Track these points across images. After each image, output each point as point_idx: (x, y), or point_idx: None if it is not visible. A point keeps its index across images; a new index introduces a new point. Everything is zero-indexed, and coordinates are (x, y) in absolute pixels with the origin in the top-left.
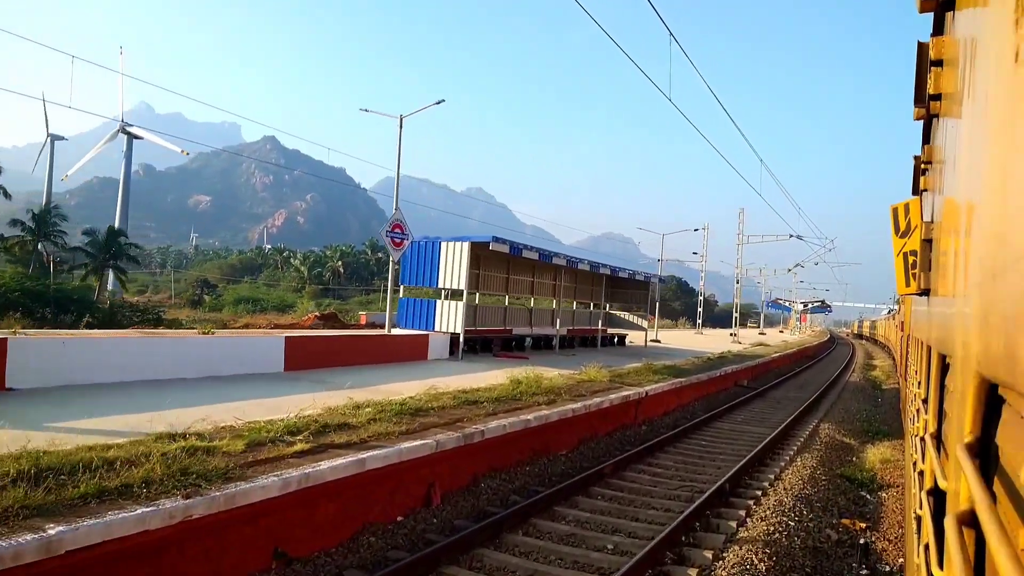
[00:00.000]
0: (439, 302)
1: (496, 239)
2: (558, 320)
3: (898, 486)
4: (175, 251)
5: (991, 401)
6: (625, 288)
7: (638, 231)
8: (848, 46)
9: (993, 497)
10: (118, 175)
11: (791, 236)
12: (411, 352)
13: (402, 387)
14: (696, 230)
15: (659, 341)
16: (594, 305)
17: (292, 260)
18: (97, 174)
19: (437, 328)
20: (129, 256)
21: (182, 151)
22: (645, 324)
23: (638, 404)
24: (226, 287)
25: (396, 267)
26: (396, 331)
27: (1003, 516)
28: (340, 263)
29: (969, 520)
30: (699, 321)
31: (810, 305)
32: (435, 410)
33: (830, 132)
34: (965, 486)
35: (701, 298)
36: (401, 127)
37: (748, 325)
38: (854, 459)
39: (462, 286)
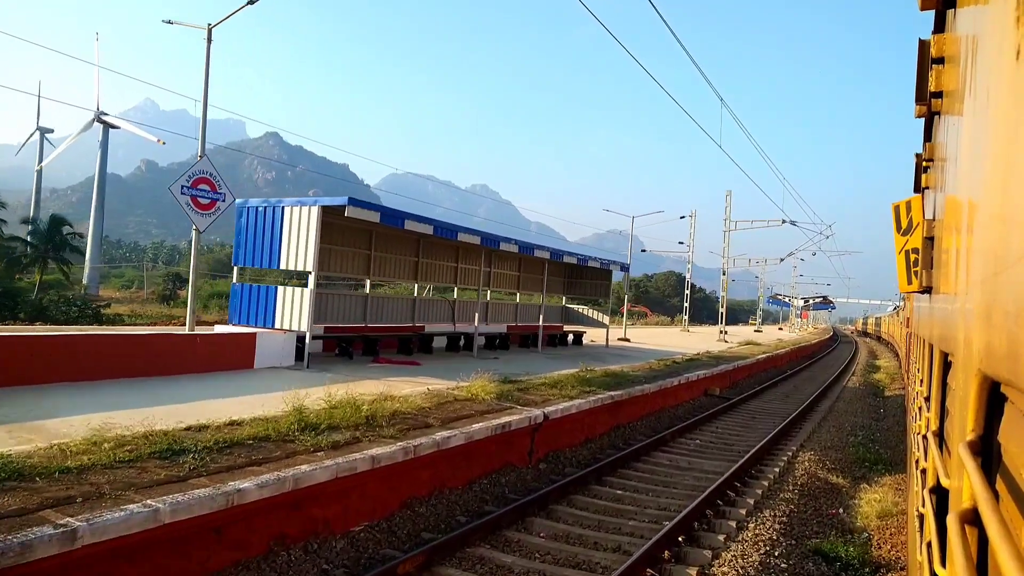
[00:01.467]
0: (280, 289)
1: (355, 202)
2: (481, 315)
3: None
4: (169, 246)
5: (993, 399)
6: (584, 278)
7: (640, 228)
8: (843, 35)
9: (995, 495)
10: (120, 171)
11: (784, 222)
12: (229, 359)
13: (73, 421)
14: (683, 217)
15: (628, 340)
16: (549, 298)
17: None
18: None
19: (278, 324)
20: (72, 247)
21: (158, 140)
22: (607, 320)
23: (535, 433)
24: (208, 282)
25: (225, 249)
26: (222, 329)
27: (1005, 514)
28: None
29: (971, 518)
30: (685, 317)
31: (811, 301)
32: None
33: (826, 113)
34: (967, 484)
35: (687, 292)
36: (210, 40)
37: (750, 322)
38: (841, 512)
39: (309, 267)
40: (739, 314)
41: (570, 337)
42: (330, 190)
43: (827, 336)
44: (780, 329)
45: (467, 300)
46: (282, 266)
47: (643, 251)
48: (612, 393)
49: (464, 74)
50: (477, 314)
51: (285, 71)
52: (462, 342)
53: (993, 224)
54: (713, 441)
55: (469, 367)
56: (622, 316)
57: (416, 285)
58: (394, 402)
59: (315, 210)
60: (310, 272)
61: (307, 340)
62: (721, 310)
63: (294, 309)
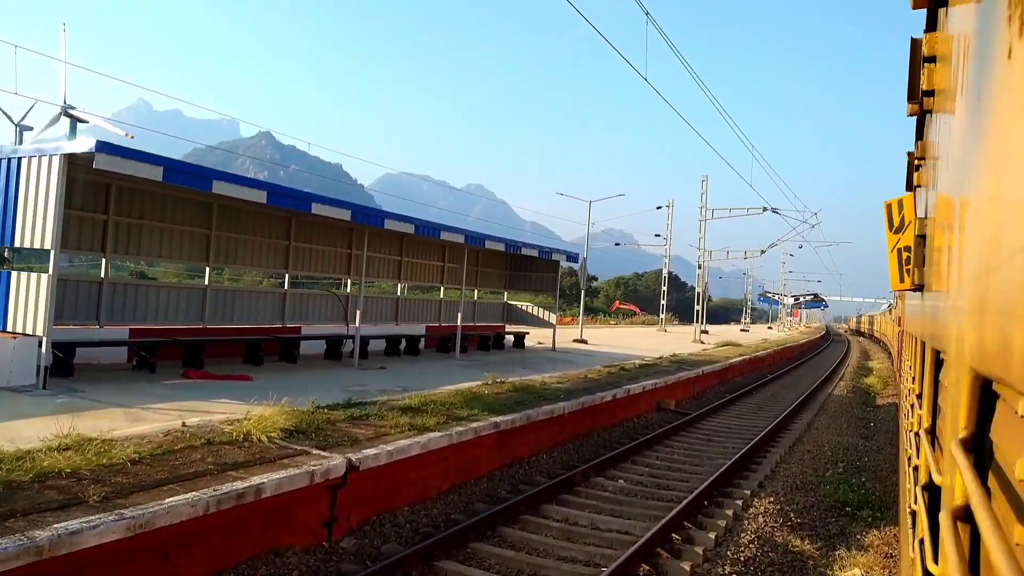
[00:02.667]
0: (13, 276)
1: (107, 148)
2: (383, 314)
3: None
4: None
5: (985, 396)
6: (528, 270)
7: (639, 228)
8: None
9: (988, 492)
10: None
11: (765, 209)
12: None
13: None
14: (660, 207)
15: (585, 341)
16: (488, 293)
17: None
18: None
19: (10, 325)
20: None
21: (126, 135)
22: (553, 318)
23: (335, 493)
24: (184, 278)
25: None
26: None
27: (997, 511)
28: None
29: (964, 515)
30: (663, 316)
31: (802, 299)
32: None
33: (811, 97)
34: (960, 481)
35: (664, 288)
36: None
37: (743, 321)
38: None
39: (47, 243)
40: (731, 313)
41: (509, 339)
42: (322, 190)
43: (818, 335)
44: (769, 328)
45: (381, 296)
46: (16, 242)
47: (617, 245)
48: (499, 419)
49: (458, 74)
50: (359, 311)
51: (277, 70)
52: (349, 347)
53: (985, 222)
54: (642, 481)
55: (328, 383)
56: (614, 315)
57: (287, 275)
58: (63, 457)
59: (55, 161)
60: (50, 251)
61: (42, 348)
62: (697, 307)
63: (29, 304)
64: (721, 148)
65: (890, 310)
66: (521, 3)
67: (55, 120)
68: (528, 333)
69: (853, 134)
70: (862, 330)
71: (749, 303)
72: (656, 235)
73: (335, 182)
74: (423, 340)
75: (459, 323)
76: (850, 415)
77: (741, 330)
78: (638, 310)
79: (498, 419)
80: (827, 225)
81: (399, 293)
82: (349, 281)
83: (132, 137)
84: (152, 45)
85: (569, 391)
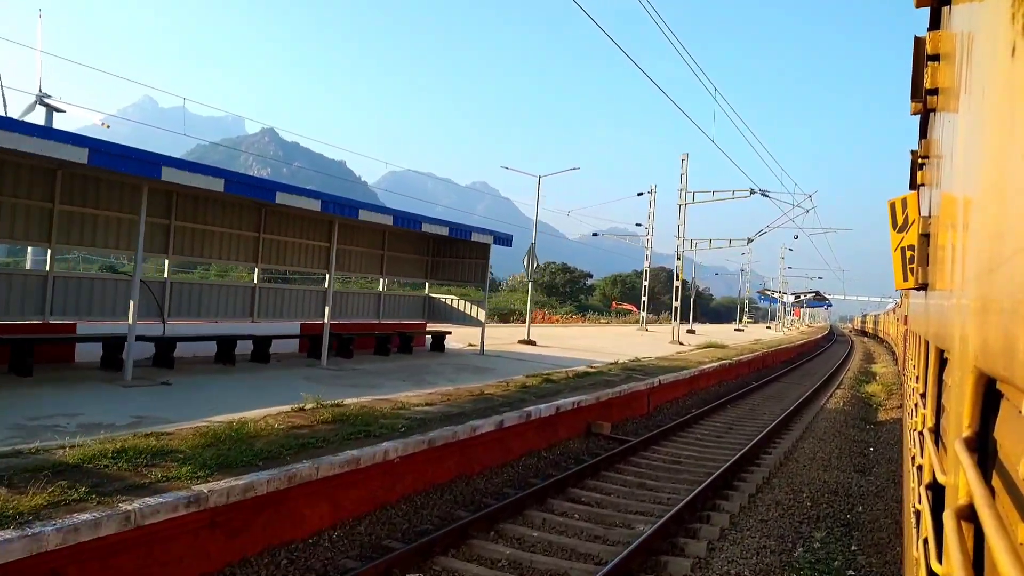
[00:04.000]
0: None
1: None
2: (242, 306)
3: None
4: None
5: (989, 396)
6: (454, 256)
7: (637, 226)
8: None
9: (992, 492)
10: None
11: (753, 192)
12: None
13: None
14: (641, 194)
15: (533, 343)
16: (402, 284)
17: None
18: None
19: None
20: None
21: (103, 123)
22: (482, 314)
23: None
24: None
25: None
26: None
27: (1001, 510)
28: None
29: (968, 514)
30: (643, 315)
31: (803, 297)
32: None
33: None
34: (963, 481)
35: (645, 283)
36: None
37: (741, 321)
38: None
39: None
40: (734, 312)
41: (427, 340)
42: (326, 187)
43: (820, 335)
44: (768, 328)
45: (227, 284)
46: None
47: (594, 235)
48: (207, 488)
49: (462, 71)
50: (169, 304)
51: (282, 67)
52: (152, 351)
53: (988, 220)
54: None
55: (24, 409)
56: (611, 314)
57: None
58: None
59: None
60: None
61: None
62: (674, 304)
63: None
64: (706, 124)
65: (894, 310)
66: (522, 2)
67: (30, 109)
68: (449, 333)
69: (850, 114)
70: (866, 330)
71: (747, 301)
72: (637, 224)
73: (338, 179)
74: (297, 342)
75: (326, 320)
76: (844, 437)
77: (735, 329)
78: (635, 309)
79: (197, 490)
80: (825, 212)
81: (255, 280)
82: (166, 264)
83: (108, 127)
84: (158, 42)
85: (432, 418)
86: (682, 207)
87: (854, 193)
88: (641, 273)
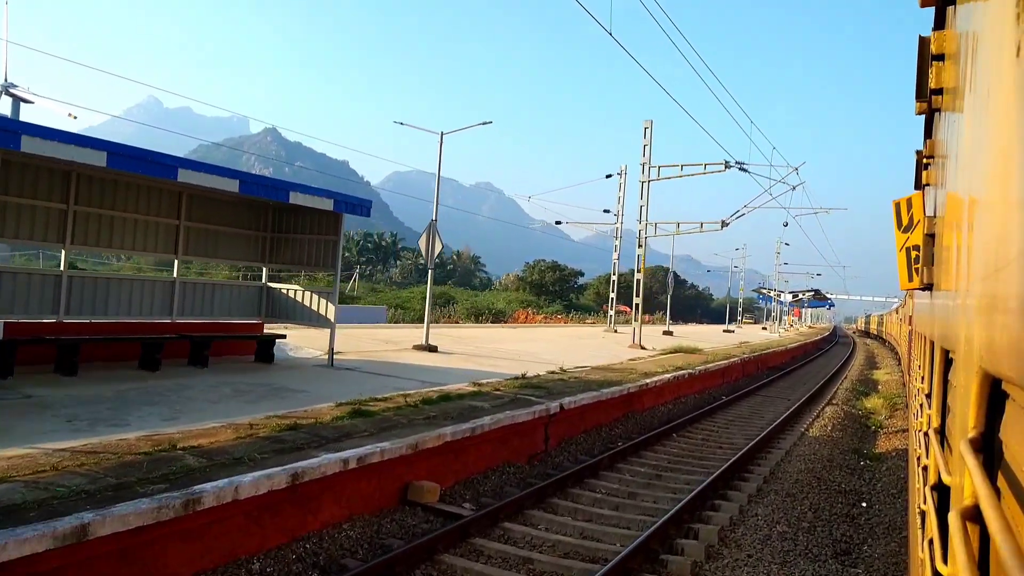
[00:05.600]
0: None
1: None
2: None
3: None
4: None
5: (994, 396)
6: (298, 232)
7: (605, 212)
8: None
9: (997, 492)
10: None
11: (728, 165)
12: None
13: None
14: (609, 176)
15: (434, 348)
16: (236, 269)
17: None
18: None
19: None
20: None
21: (69, 114)
22: (332, 311)
23: None
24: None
25: None
26: None
27: (1007, 511)
28: None
29: (973, 515)
30: (611, 313)
31: (804, 296)
32: None
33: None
34: (969, 481)
35: (614, 277)
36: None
37: (743, 321)
38: None
39: None
40: (736, 312)
41: (256, 345)
42: (328, 187)
43: (819, 337)
44: (764, 329)
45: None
46: None
47: (557, 223)
48: None
49: (464, 70)
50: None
51: (285, 67)
52: None
53: (994, 220)
54: None
55: None
56: (600, 314)
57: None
58: None
59: None
60: None
61: None
62: (636, 300)
63: None
64: (681, 95)
65: (897, 310)
66: (522, 2)
67: None
68: (283, 337)
69: (842, 79)
70: (870, 331)
71: (741, 301)
72: (605, 211)
73: (340, 179)
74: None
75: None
76: (825, 487)
77: (725, 331)
78: (628, 309)
79: None
80: (818, 193)
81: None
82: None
83: (75, 117)
84: (164, 42)
85: None
86: (645, 184)
87: (850, 171)
88: (636, 272)
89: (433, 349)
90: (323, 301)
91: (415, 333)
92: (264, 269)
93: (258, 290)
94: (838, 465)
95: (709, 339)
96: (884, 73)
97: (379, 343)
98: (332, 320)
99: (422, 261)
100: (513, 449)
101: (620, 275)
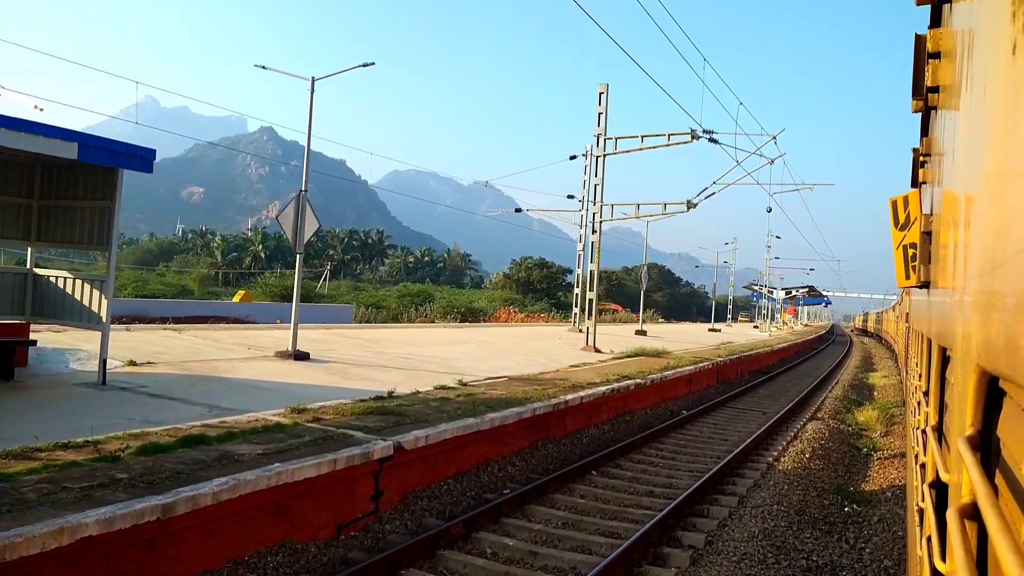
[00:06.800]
0: None
1: None
2: None
3: None
4: (126, 239)
5: (992, 394)
6: (71, 199)
7: (569, 198)
8: None
9: (995, 490)
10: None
11: (694, 136)
12: None
13: None
14: (573, 157)
15: (305, 355)
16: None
17: (211, 244)
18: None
19: None
20: None
21: (35, 107)
22: (104, 307)
23: None
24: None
25: None
26: None
27: (1005, 509)
28: (261, 247)
29: (971, 513)
30: (576, 311)
31: (798, 292)
32: None
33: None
34: (967, 479)
35: (578, 270)
36: None
37: (741, 319)
38: None
39: None
40: (734, 311)
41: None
42: (323, 186)
43: (813, 336)
44: (755, 328)
45: None
46: None
47: (517, 211)
48: None
49: (465, 70)
50: None
51: (282, 62)
52: None
53: (990, 218)
54: None
55: None
56: (596, 315)
57: None
58: None
59: None
60: None
61: None
62: (590, 295)
63: None
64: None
65: (894, 307)
66: (522, 2)
67: None
68: (34, 343)
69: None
70: (868, 329)
71: (730, 298)
72: (569, 196)
73: (336, 179)
74: None
75: None
76: (785, 564)
77: (710, 330)
78: (620, 308)
79: None
80: (800, 164)
81: None
82: None
83: (42, 110)
84: (159, 41)
85: None
86: (599, 159)
87: (836, 144)
88: (631, 270)
89: (303, 357)
90: (95, 292)
91: (320, 336)
92: (30, 251)
93: (19, 279)
94: (811, 519)
95: (689, 339)
96: (878, 69)
97: (238, 348)
98: (104, 318)
99: (411, 259)
100: (300, 521)
101: (612, 274)
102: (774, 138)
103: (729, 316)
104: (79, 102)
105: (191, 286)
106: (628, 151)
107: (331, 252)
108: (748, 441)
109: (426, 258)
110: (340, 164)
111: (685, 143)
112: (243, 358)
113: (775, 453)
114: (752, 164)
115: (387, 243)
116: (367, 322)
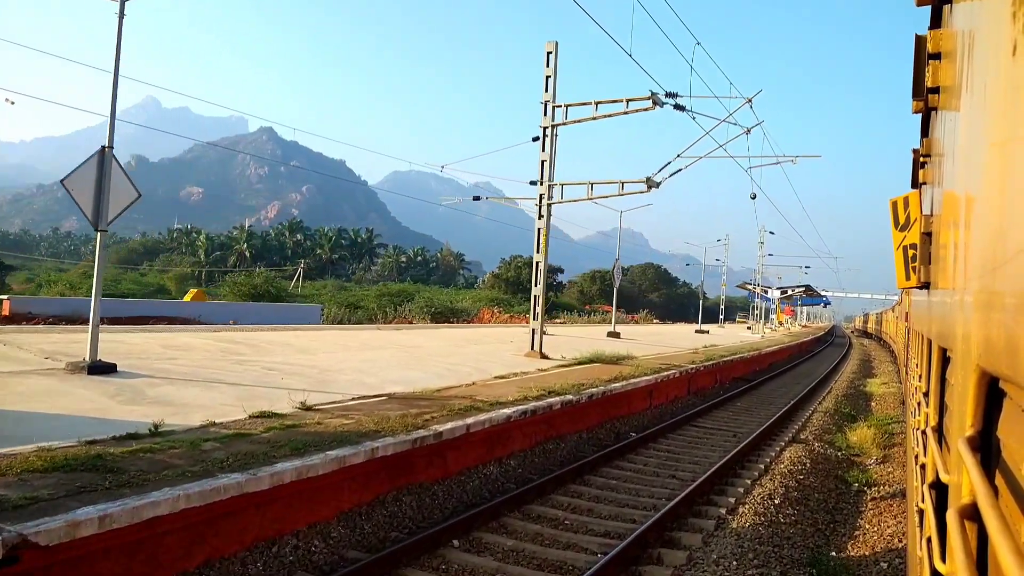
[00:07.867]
0: None
1: None
2: None
3: None
4: (117, 239)
5: (992, 395)
6: None
7: (531, 184)
8: None
9: (995, 490)
10: (151, 155)
11: (655, 101)
12: None
13: None
14: (536, 139)
15: (110, 367)
16: None
17: (196, 242)
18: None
19: None
20: None
21: (7, 99)
22: None
23: None
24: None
25: None
26: None
27: (1005, 509)
28: (246, 245)
29: (971, 514)
30: (536, 309)
31: (793, 292)
32: None
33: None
34: (967, 480)
35: (537, 258)
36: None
37: (738, 319)
38: None
39: None
40: (731, 312)
41: None
42: (323, 186)
43: (810, 338)
44: (749, 329)
45: None
46: None
47: (475, 198)
48: None
49: (466, 69)
50: None
51: (282, 63)
52: None
53: (991, 219)
54: None
55: None
56: (587, 314)
57: None
58: None
59: None
60: None
61: None
62: (535, 291)
63: None
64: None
65: (893, 308)
66: (522, 2)
67: None
68: None
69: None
70: (868, 330)
71: (722, 298)
72: (531, 183)
73: (336, 180)
74: None
75: None
76: None
77: (697, 331)
78: (610, 310)
79: None
80: (781, 131)
81: None
82: None
83: (13, 103)
84: (160, 42)
85: None
86: (549, 130)
87: (822, 117)
88: (626, 270)
89: (104, 369)
90: None
91: (186, 341)
92: None
93: None
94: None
95: (668, 342)
96: (878, 69)
97: (32, 358)
98: None
99: (404, 259)
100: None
101: (605, 274)
102: (749, 101)
103: (721, 317)
104: (79, 102)
105: (169, 285)
106: (581, 120)
107: (318, 252)
108: (700, 480)
109: (419, 257)
110: (340, 164)
111: (646, 109)
112: (13, 371)
113: (732, 499)
114: (727, 136)
115: (377, 242)
116: (340, 323)
